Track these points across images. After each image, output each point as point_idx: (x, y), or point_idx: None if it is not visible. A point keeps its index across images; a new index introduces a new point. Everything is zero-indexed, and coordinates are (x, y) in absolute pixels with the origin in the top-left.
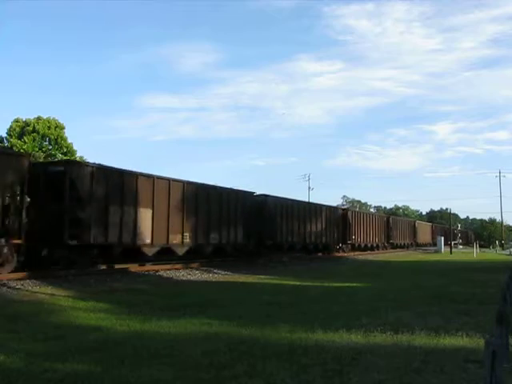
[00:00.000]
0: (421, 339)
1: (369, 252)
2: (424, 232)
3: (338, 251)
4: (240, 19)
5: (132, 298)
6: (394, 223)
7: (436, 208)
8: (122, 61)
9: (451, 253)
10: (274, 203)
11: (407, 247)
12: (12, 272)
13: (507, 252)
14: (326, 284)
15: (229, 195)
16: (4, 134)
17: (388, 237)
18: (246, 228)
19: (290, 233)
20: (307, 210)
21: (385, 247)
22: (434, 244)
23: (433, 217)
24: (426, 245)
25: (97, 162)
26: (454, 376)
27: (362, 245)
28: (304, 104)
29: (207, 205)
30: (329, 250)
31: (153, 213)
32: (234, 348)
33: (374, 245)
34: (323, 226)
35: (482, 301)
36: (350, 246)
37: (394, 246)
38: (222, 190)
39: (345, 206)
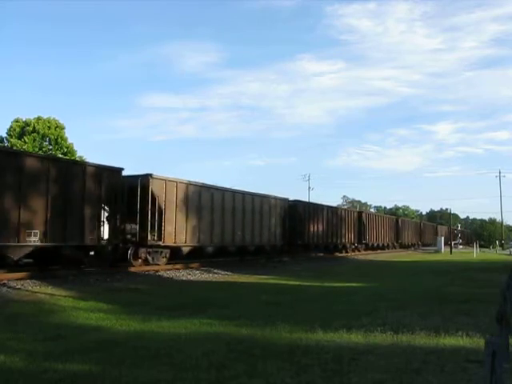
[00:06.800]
0: (421, 339)
1: (338, 253)
2: (409, 231)
3: (284, 254)
4: (241, 19)
5: (132, 298)
6: (368, 220)
7: (436, 208)
8: (122, 61)
9: (451, 253)
10: (160, 186)
11: (387, 248)
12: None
13: (507, 252)
14: (326, 284)
15: (76, 172)
16: (4, 134)
17: (361, 237)
18: (112, 224)
19: (199, 231)
20: (231, 201)
21: (357, 249)
22: (424, 244)
23: (433, 217)
24: (412, 245)
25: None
26: (454, 376)
27: (322, 246)
28: (305, 104)
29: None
30: (269, 254)
31: None
32: (234, 348)
33: (340, 246)
34: (258, 223)
35: (481, 301)
36: (302, 247)
37: (374, 248)
38: (63, 164)
39: (345, 206)
